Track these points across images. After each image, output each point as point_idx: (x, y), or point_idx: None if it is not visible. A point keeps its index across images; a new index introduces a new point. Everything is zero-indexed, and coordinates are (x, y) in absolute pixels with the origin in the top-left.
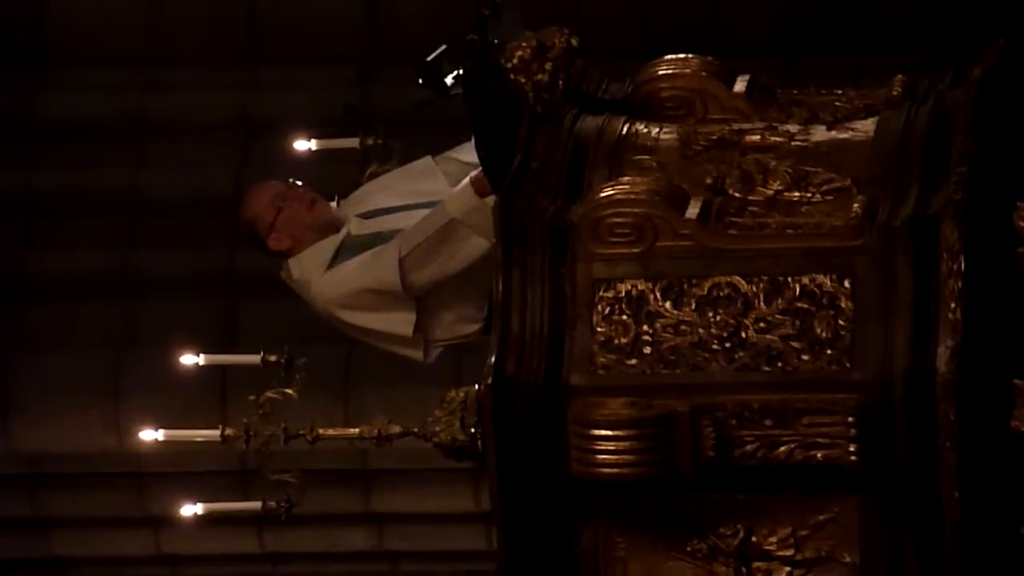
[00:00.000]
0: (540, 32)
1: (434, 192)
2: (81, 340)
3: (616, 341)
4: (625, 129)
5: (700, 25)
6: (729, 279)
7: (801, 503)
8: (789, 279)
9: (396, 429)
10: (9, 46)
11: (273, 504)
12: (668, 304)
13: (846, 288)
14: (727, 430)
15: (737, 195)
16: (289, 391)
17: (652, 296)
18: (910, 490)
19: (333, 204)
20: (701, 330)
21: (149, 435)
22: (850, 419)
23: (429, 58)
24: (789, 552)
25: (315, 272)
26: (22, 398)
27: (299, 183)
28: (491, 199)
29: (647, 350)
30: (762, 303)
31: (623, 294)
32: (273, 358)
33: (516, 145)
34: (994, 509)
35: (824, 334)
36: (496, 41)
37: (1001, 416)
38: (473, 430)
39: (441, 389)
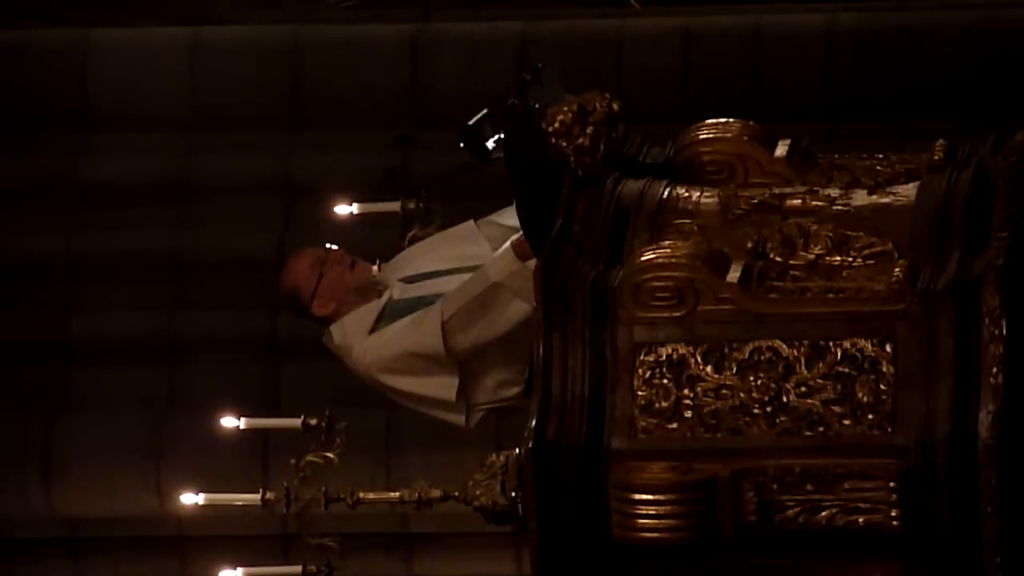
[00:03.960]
0: (581, 96)
1: (476, 256)
2: (123, 403)
3: (657, 405)
4: (666, 193)
5: (742, 89)
6: (770, 343)
7: (843, 568)
8: (830, 343)
9: (437, 493)
10: (52, 108)
11: (314, 568)
12: (709, 368)
13: (887, 352)
14: (768, 494)
15: (778, 259)
16: (330, 455)
17: (693, 360)
18: (952, 556)
19: (375, 268)
20: (742, 394)
21: (190, 499)
22: (892, 484)
23: (470, 122)
24: None
25: (357, 336)
26: (64, 462)
27: (335, 247)
28: (532, 263)
29: (688, 414)
30: (803, 367)
31: (664, 358)
32: (314, 422)
33: (557, 209)
34: None
35: (866, 399)
36: (537, 105)
37: None
38: (514, 494)
39: (482, 453)
